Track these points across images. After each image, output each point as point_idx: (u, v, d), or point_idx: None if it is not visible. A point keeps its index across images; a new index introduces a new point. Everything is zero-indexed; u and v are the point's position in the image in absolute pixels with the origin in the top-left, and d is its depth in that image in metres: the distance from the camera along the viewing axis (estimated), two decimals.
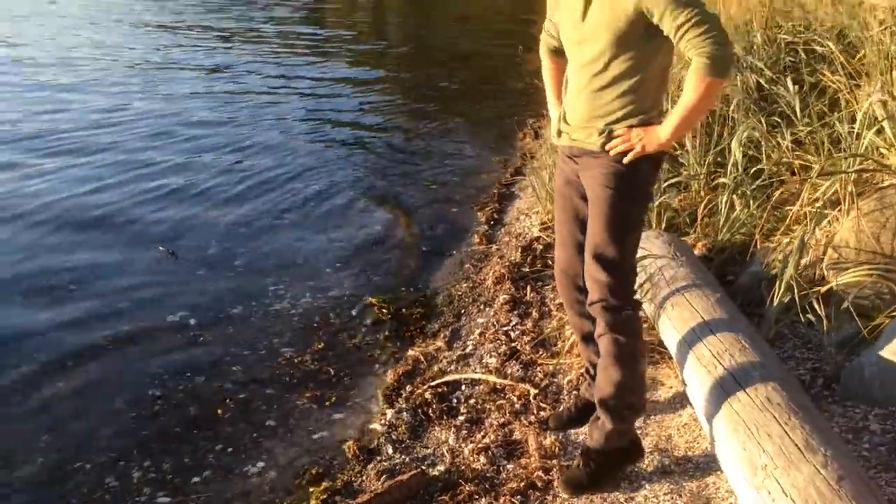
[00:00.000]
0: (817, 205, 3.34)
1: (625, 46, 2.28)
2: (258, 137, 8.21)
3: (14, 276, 4.66)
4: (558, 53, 2.64)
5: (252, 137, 8.21)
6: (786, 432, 2.11)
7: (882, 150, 3.46)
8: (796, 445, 2.06)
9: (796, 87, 4.37)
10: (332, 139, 8.29)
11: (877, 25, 4.08)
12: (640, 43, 2.28)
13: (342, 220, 5.66)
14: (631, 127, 2.34)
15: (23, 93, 10.45)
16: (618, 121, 2.35)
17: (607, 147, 2.36)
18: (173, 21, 20.19)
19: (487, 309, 4.01)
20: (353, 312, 4.17)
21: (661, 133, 2.32)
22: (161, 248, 5.08)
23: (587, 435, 2.57)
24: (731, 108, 4.50)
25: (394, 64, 14.24)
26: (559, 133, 2.55)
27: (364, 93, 11.35)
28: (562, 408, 2.93)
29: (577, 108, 2.44)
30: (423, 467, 2.70)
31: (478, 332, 3.77)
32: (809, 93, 4.43)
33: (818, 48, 4.59)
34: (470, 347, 3.62)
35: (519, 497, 2.45)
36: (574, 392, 3.04)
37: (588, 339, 2.67)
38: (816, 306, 2.87)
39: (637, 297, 2.61)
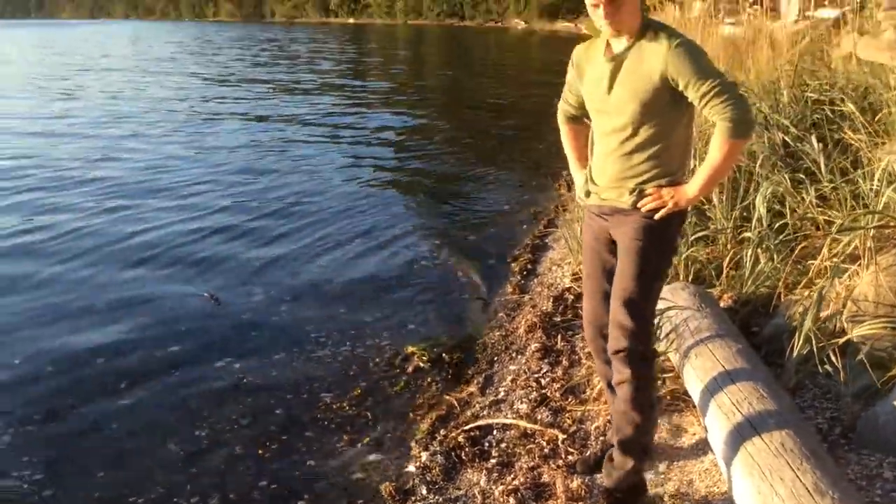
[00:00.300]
0: (836, 259, 3.46)
1: (651, 114, 2.45)
2: (301, 185, 8.66)
3: (66, 311, 5.07)
4: (576, 120, 2.82)
5: (295, 185, 8.68)
6: (797, 476, 2.24)
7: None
8: (806, 489, 2.18)
9: (820, 144, 4.52)
10: (371, 188, 8.67)
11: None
12: (666, 110, 2.45)
13: (381, 270, 5.91)
14: (661, 186, 2.50)
15: (83, 141, 11.04)
16: (647, 181, 2.51)
17: (640, 205, 2.51)
18: (221, 74, 20.88)
19: (519, 357, 4.17)
20: (389, 359, 4.34)
21: (690, 191, 2.50)
22: (206, 293, 5.34)
23: (604, 476, 2.71)
24: (758, 164, 4.66)
25: (432, 114, 14.66)
26: (587, 193, 2.69)
27: (403, 142, 11.77)
28: (589, 452, 3.07)
29: (606, 170, 2.58)
30: None
31: (510, 378, 3.92)
32: (834, 150, 4.57)
33: (842, 107, 4.74)
34: (502, 393, 3.78)
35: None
36: (601, 438, 3.17)
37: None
38: (833, 358, 2.99)
39: (656, 346, 2.77)
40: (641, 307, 2.56)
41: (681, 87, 2.39)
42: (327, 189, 8.57)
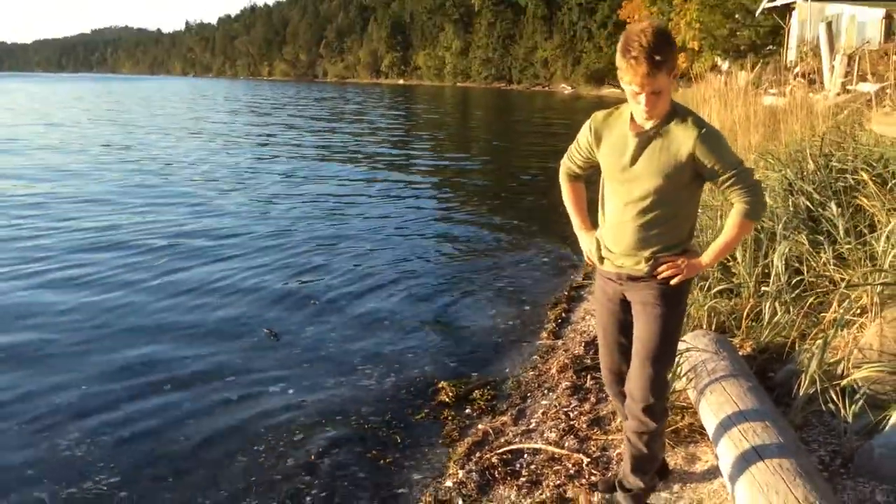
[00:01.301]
0: (842, 312, 3.77)
1: (671, 190, 2.64)
2: (348, 234, 9.20)
3: (141, 332, 5.59)
4: (578, 179, 3.01)
5: (342, 234, 9.23)
6: (790, 490, 2.56)
7: None
8: (797, 499, 2.50)
9: (839, 209, 4.85)
10: (417, 237, 9.19)
11: None
12: (684, 184, 2.66)
13: (426, 310, 6.34)
14: (675, 255, 2.74)
15: (145, 192, 11.77)
16: (662, 251, 2.72)
17: (656, 273, 2.73)
18: (265, 137, 21.77)
19: (550, 393, 4.50)
20: (430, 391, 4.70)
21: (704, 261, 2.81)
22: (266, 329, 5.79)
23: (625, 499, 3.04)
24: (780, 225, 5.00)
25: (480, 168, 15.12)
26: (601, 259, 2.88)
27: (447, 194, 12.28)
28: (610, 474, 3.38)
29: (622, 238, 2.75)
30: None
31: (541, 411, 4.26)
32: (854, 215, 4.89)
33: (863, 176, 5.07)
34: (533, 424, 4.11)
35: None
36: (622, 462, 3.48)
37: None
38: (836, 397, 3.30)
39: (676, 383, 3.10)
40: (664, 364, 2.85)
41: (704, 169, 2.61)
42: (375, 238, 9.15)
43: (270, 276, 7.30)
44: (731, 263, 4.98)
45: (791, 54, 25.84)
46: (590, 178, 3.02)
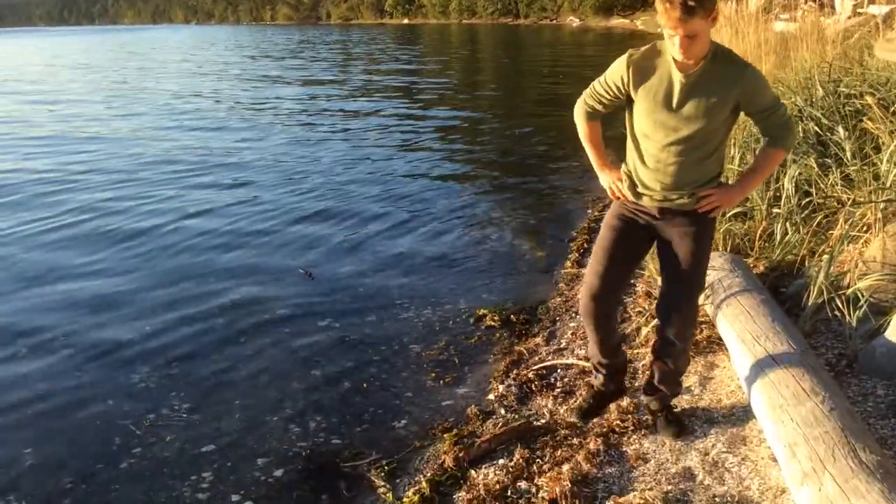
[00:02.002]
0: (847, 228, 4.08)
1: (714, 128, 2.75)
2: (379, 176, 9.62)
3: (191, 274, 6.00)
4: (597, 117, 3.04)
5: (375, 175, 9.65)
6: (798, 382, 2.90)
7: None
8: (804, 390, 2.85)
9: (846, 132, 5.11)
10: (441, 177, 9.52)
11: None
12: (725, 121, 2.78)
13: (453, 247, 6.69)
14: (714, 188, 2.89)
15: (206, 135, 12.20)
16: (704, 185, 2.87)
17: (701, 207, 2.89)
18: (301, 76, 21.92)
19: (578, 316, 4.85)
20: (465, 319, 5.06)
21: (741, 192, 3.04)
22: (301, 269, 6.15)
23: (651, 402, 3.37)
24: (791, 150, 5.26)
25: (494, 108, 15.32)
26: (639, 195, 2.94)
27: (468, 135, 12.56)
28: (580, 401, 3.52)
29: (666, 176, 2.83)
30: (529, 419, 3.57)
31: (570, 332, 4.61)
32: (860, 138, 5.15)
33: (867, 100, 5.31)
34: (564, 343, 4.48)
35: (601, 438, 3.27)
36: (645, 372, 3.85)
37: (614, 351, 3.31)
38: (841, 305, 3.63)
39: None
40: (701, 288, 3.16)
41: (748, 105, 2.76)
42: (399, 178, 9.52)
43: (303, 218, 7.69)
44: None
45: None
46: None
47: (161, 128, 14.21)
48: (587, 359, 4.03)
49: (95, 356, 4.71)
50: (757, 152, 3.06)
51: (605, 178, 3.12)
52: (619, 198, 3.06)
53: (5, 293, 5.82)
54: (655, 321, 3.38)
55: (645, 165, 2.88)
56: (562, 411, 3.62)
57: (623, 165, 3.04)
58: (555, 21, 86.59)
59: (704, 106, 2.70)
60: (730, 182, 3.17)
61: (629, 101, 2.86)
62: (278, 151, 11.51)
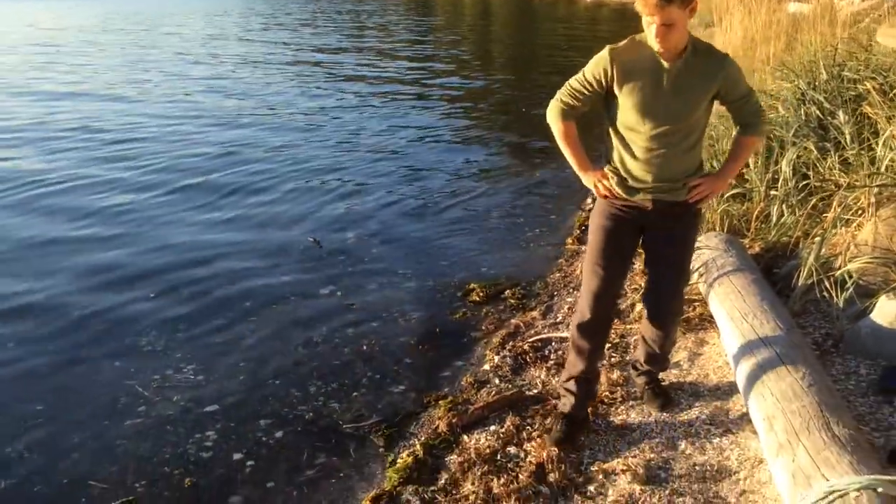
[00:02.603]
0: (839, 211, 4.16)
1: (698, 117, 2.81)
2: (386, 144, 9.73)
3: (198, 245, 6.09)
4: (573, 117, 2.95)
5: (383, 144, 9.79)
6: (780, 359, 3.00)
7: None
8: (785, 367, 2.95)
9: (847, 117, 5.16)
10: (447, 149, 9.64)
11: None
12: (705, 109, 2.84)
13: (455, 220, 6.79)
14: (701, 177, 2.94)
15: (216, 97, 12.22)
16: (692, 175, 2.91)
17: (691, 197, 2.92)
18: (317, 44, 21.97)
19: (575, 292, 4.95)
20: (465, 291, 5.15)
21: (726, 180, 3.08)
22: (310, 237, 6.26)
23: (639, 376, 3.50)
24: (791, 133, 5.32)
25: (505, 80, 15.32)
26: (633, 190, 2.91)
27: (475, 107, 12.59)
28: (554, 431, 3.24)
29: (658, 168, 2.83)
30: (522, 389, 3.68)
31: (566, 307, 4.72)
32: (861, 122, 5.20)
33: (867, 85, 5.36)
34: (560, 318, 4.58)
35: (590, 408, 3.39)
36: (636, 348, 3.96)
37: (597, 360, 3.26)
38: (829, 286, 3.72)
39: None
40: (688, 279, 3.29)
41: (727, 94, 2.82)
42: (408, 149, 9.65)
43: (306, 190, 7.76)
44: (744, 171, 5.34)
45: None
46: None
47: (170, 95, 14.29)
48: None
49: (102, 319, 4.84)
50: (732, 141, 3.11)
51: (589, 178, 3.03)
52: (606, 196, 3.00)
53: (18, 258, 5.95)
54: (641, 325, 3.42)
55: (635, 158, 2.86)
56: (553, 382, 3.73)
57: (607, 164, 2.99)
58: None
59: (691, 96, 2.75)
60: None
61: (608, 97, 2.83)
62: (288, 119, 11.59)
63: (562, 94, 2.92)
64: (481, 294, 5.10)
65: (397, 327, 4.69)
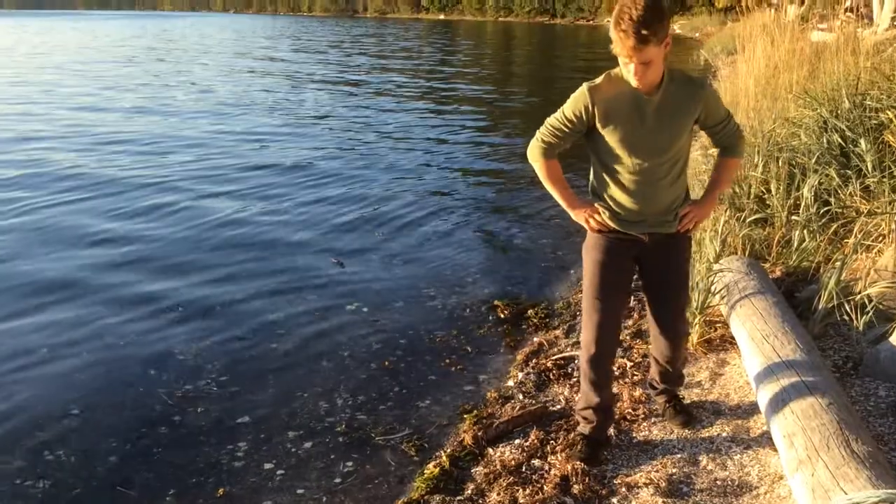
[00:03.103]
0: (860, 237, 4.23)
1: (682, 145, 2.88)
2: (412, 172, 9.84)
3: (224, 266, 6.19)
4: (555, 156, 2.98)
5: (393, 167, 9.96)
6: (801, 378, 3.08)
7: None
8: (806, 386, 3.02)
9: (868, 145, 5.23)
10: (464, 172, 9.73)
11: None
12: (688, 137, 2.91)
13: (480, 241, 6.92)
14: (691, 204, 3.02)
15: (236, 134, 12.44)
16: (680, 204, 2.99)
17: (682, 227, 3.00)
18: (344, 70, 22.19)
19: None
20: (489, 310, 5.26)
21: (712, 204, 3.16)
22: (332, 258, 6.39)
23: (658, 396, 3.57)
24: (813, 160, 5.40)
25: (518, 109, 15.47)
26: (629, 223, 2.95)
27: (492, 134, 12.70)
28: (578, 453, 3.26)
29: (649, 200, 2.89)
30: (546, 404, 3.77)
31: None
32: (883, 150, 5.27)
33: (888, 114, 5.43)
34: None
35: (614, 426, 3.46)
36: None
37: (609, 388, 3.33)
38: (849, 310, 3.79)
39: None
40: (688, 295, 3.42)
41: (707, 119, 2.91)
42: (428, 170, 9.88)
43: (329, 210, 7.93)
44: (766, 196, 5.43)
45: None
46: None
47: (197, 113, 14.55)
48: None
49: (135, 330, 4.98)
50: (714, 166, 3.18)
51: (580, 213, 3.04)
52: (599, 230, 3.02)
53: (49, 259, 6.14)
54: (651, 337, 3.43)
55: (626, 192, 2.89)
56: (576, 398, 3.80)
57: (596, 199, 3.02)
58: (591, 21, 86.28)
59: (674, 126, 2.81)
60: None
61: (591, 133, 2.87)
62: (315, 144, 11.79)
63: (542, 134, 2.95)
64: (505, 312, 5.20)
65: (422, 343, 4.79)
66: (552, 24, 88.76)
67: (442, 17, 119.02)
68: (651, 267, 3.12)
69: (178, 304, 5.39)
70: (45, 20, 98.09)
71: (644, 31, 2.53)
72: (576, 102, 2.83)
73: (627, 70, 2.69)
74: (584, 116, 2.82)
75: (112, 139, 11.81)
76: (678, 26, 55.21)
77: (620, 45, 2.59)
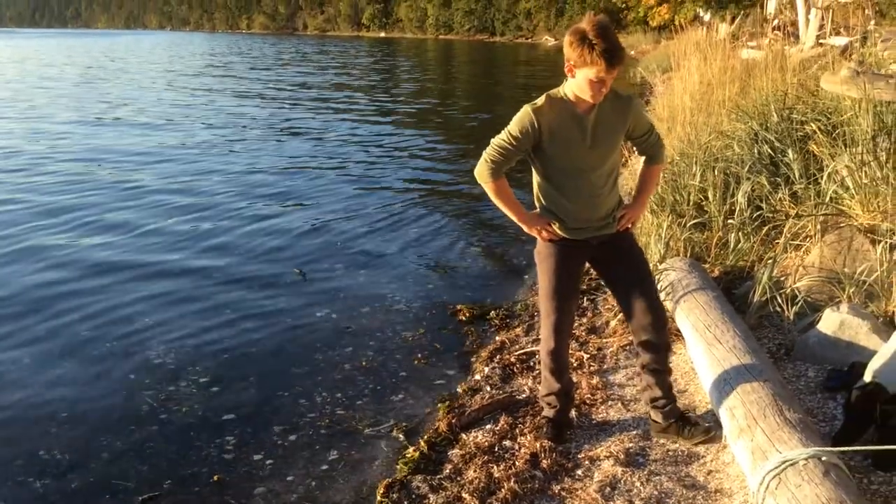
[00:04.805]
0: (788, 237, 4.68)
1: (616, 156, 3.22)
2: (373, 183, 10.15)
3: (191, 287, 6.36)
4: (501, 174, 3.20)
5: (366, 183, 10.21)
6: (739, 360, 3.46)
7: (844, 199, 4.82)
8: (744, 366, 3.41)
9: (796, 155, 5.73)
10: (419, 186, 10.05)
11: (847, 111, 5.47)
12: (620, 147, 3.25)
13: (439, 250, 7.27)
14: (626, 207, 3.35)
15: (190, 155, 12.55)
16: (617, 208, 3.30)
17: (621, 227, 3.32)
18: (286, 87, 22.31)
19: None
20: (451, 312, 5.58)
21: (643, 207, 3.50)
22: (295, 269, 6.65)
23: (669, 412, 3.54)
24: (745, 169, 5.88)
25: (463, 125, 15.89)
26: (577, 230, 3.24)
27: (444, 152, 13.07)
28: (545, 433, 3.57)
29: (596, 208, 3.20)
30: (512, 394, 4.10)
31: None
32: (808, 159, 5.78)
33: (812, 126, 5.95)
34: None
35: (575, 409, 3.81)
36: (615, 358, 4.40)
37: (566, 374, 3.58)
38: (781, 302, 4.22)
39: None
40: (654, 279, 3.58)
41: (635, 130, 3.21)
42: (383, 180, 10.37)
43: (291, 223, 8.19)
44: (704, 203, 5.88)
45: (771, 6, 26.52)
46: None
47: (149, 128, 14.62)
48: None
49: (114, 337, 5.19)
50: (640, 173, 3.51)
51: (533, 224, 3.27)
52: (550, 239, 3.27)
53: (29, 274, 6.28)
54: (635, 337, 3.46)
55: (572, 203, 3.18)
56: (539, 388, 4.15)
57: (544, 211, 3.28)
58: (530, 40, 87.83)
59: (610, 137, 3.12)
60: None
61: (535, 151, 3.14)
62: (271, 156, 12.08)
63: (490, 154, 3.15)
64: (467, 314, 5.53)
65: (392, 344, 5.08)
66: (492, 42, 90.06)
67: (383, 34, 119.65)
68: (607, 262, 3.40)
69: (153, 313, 5.59)
70: None
71: (615, 60, 2.85)
72: (521, 123, 3.06)
73: (584, 86, 2.94)
74: (529, 136, 3.05)
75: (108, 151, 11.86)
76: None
77: (597, 68, 2.85)
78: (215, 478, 3.61)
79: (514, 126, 3.09)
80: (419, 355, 4.90)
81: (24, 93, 22.54)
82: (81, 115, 17.11)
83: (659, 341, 3.36)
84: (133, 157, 12.03)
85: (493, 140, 3.16)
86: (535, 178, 3.30)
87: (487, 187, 3.25)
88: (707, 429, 3.42)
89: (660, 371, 3.42)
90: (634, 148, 3.45)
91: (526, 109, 3.07)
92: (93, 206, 8.73)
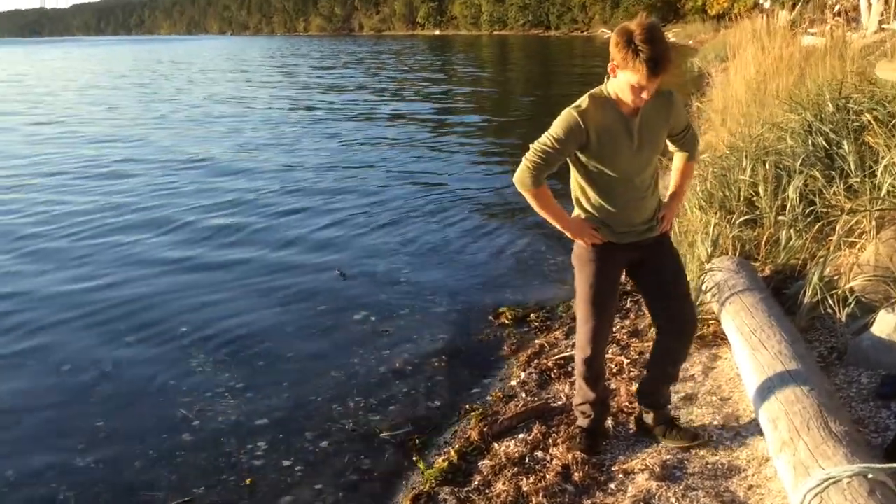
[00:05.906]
0: (842, 234, 4.44)
1: (658, 156, 3.08)
2: (417, 183, 10.09)
3: (233, 285, 6.39)
4: (542, 181, 3.04)
5: (414, 182, 10.21)
6: (784, 367, 3.28)
7: None
8: (789, 374, 3.22)
9: (851, 146, 5.45)
10: (464, 185, 9.94)
11: None
12: (661, 149, 3.12)
13: (481, 250, 7.17)
14: (664, 209, 3.22)
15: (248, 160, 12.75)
16: (658, 210, 3.18)
17: (662, 229, 3.20)
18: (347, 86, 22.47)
19: None
20: (492, 315, 5.47)
21: (679, 204, 3.43)
22: (336, 270, 6.62)
23: (661, 412, 3.52)
24: (798, 162, 5.62)
25: (515, 121, 15.73)
26: (622, 234, 3.10)
27: (491, 149, 12.95)
28: (579, 444, 3.45)
29: (642, 212, 3.09)
30: (547, 401, 3.97)
31: None
32: (864, 151, 5.49)
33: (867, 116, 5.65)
34: None
35: (611, 417, 3.67)
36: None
37: (603, 383, 3.49)
38: (834, 303, 4.00)
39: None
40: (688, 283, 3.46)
41: (675, 127, 3.10)
42: (431, 182, 10.24)
43: (336, 224, 8.19)
44: (754, 198, 5.64)
45: None
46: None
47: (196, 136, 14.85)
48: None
49: (153, 342, 5.23)
50: (675, 170, 3.33)
51: (579, 231, 3.12)
52: (595, 244, 3.13)
53: (61, 281, 6.38)
54: (660, 340, 3.37)
55: (618, 207, 3.05)
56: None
57: (586, 214, 3.13)
58: (585, 33, 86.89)
59: (655, 138, 3.02)
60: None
61: (581, 155, 2.99)
62: (318, 159, 12.13)
63: (532, 160, 2.97)
64: (510, 317, 5.41)
65: (429, 348, 5.00)
66: (547, 36, 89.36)
67: (437, 32, 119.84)
68: (647, 268, 3.24)
69: (190, 320, 5.62)
70: (54, 48, 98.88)
71: (662, 66, 2.70)
72: (566, 125, 2.89)
73: (626, 90, 2.81)
74: (575, 139, 2.90)
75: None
76: (672, 34, 55.72)
77: (640, 75, 2.70)
78: (243, 484, 3.58)
79: (558, 129, 2.92)
80: (456, 360, 4.81)
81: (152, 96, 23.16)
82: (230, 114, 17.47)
83: (683, 349, 3.34)
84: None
85: (533, 144, 2.98)
86: (577, 182, 3.14)
87: (528, 195, 3.08)
88: (694, 434, 3.38)
89: (671, 377, 3.42)
90: (670, 144, 3.29)
91: (570, 112, 2.91)
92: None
